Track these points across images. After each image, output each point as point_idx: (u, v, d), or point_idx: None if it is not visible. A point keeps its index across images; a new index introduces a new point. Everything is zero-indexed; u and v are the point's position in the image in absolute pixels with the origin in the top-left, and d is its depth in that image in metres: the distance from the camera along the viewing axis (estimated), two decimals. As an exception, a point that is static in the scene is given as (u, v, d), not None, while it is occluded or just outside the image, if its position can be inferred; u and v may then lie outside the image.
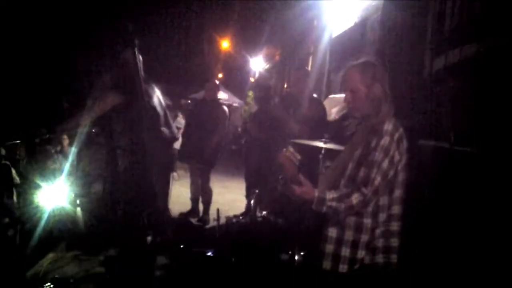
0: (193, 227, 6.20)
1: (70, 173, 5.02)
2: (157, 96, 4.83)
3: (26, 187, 4.72)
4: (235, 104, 18.14)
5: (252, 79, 24.08)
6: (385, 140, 2.47)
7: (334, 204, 2.44)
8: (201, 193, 7.24)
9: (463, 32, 5.10)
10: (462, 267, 3.65)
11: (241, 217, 5.77)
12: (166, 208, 6.81)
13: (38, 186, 4.88)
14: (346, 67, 2.73)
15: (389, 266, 2.58)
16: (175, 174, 10.55)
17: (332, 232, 2.59)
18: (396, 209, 2.58)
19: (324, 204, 2.44)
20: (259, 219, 5.11)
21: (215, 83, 7.37)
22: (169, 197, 6.79)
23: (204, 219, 6.97)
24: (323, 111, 5.78)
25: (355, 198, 2.43)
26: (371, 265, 2.53)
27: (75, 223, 4.99)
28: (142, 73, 4.59)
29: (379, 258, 2.54)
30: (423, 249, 3.98)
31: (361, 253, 2.51)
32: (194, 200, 7.30)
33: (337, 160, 2.78)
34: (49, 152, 5.28)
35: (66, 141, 5.50)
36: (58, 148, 5.46)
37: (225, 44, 30.06)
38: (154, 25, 21.13)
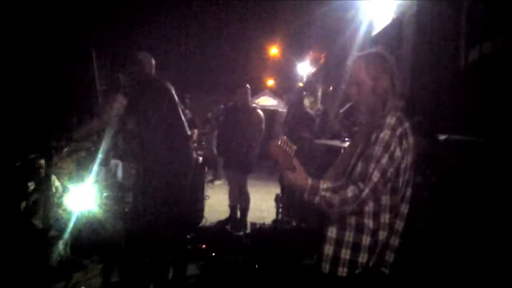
0: (228, 235, 6.18)
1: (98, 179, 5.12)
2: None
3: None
4: (281, 110, 18.07)
5: (300, 84, 23.98)
6: (385, 134, 2.31)
7: (328, 194, 2.27)
8: (239, 199, 7.23)
9: (496, 23, 4.89)
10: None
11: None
12: (201, 216, 6.85)
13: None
14: (351, 58, 2.59)
15: (394, 270, 2.43)
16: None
17: (332, 232, 2.43)
18: (402, 211, 2.44)
19: (318, 193, 2.28)
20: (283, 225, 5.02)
21: (246, 87, 7.33)
22: (204, 204, 6.83)
23: (241, 225, 6.95)
24: None
25: (351, 191, 2.26)
26: (374, 269, 2.38)
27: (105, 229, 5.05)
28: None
29: (383, 262, 2.40)
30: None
31: (363, 256, 2.35)
32: (233, 207, 7.30)
33: (340, 157, 2.65)
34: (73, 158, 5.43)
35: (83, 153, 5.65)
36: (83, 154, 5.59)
37: (273, 50, 30.02)
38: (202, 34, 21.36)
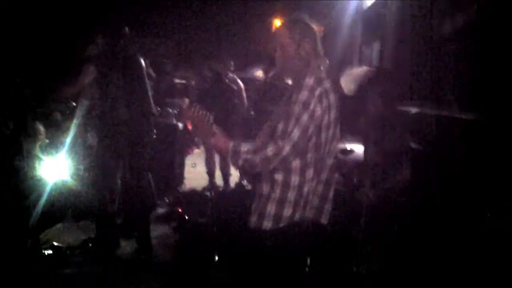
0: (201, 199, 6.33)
1: (72, 147, 5.20)
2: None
3: (28, 161, 4.88)
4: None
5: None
6: (303, 94, 2.40)
7: (249, 156, 2.40)
8: (220, 166, 7.35)
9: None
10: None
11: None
12: (180, 181, 7.02)
13: (39, 160, 5.09)
14: (275, 25, 2.67)
15: (319, 226, 2.58)
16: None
17: (260, 189, 2.53)
18: (328, 163, 2.56)
19: (240, 156, 2.41)
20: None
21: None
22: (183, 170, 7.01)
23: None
24: None
25: (270, 150, 2.37)
26: (298, 223, 2.49)
27: (78, 197, 5.19)
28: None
29: (307, 217, 2.52)
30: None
31: (287, 211, 2.47)
32: (211, 173, 7.44)
33: (268, 119, 2.70)
34: (44, 126, 5.46)
35: (58, 115, 5.69)
36: (56, 120, 5.65)
37: (277, 22, 29.78)
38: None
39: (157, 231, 5.30)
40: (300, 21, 2.60)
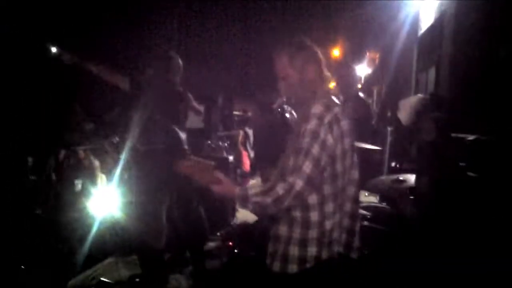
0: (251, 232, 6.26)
1: (120, 181, 5.27)
2: None
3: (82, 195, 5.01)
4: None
5: (359, 86, 23.72)
6: (311, 124, 2.23)
7: (259, 199, 2.22)
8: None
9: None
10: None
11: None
12: (232, 214, 6.99)
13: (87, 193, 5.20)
14: (273, 52, 2.47)
15: (348, 260, 2.42)
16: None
17: (279, 229, 2.38)
18: (350, 194, 2.41)
19: (249, 200, 2.24)
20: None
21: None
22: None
23: None
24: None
25: (281, 188, 2.19)
26: (327, 261, 2.33)
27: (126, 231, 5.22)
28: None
29: (334, 253, 2.37)
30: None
31: (311, 250, 2.30)
32: None
33: (281, 157, 2.52)
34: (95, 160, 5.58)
35: (108, 149, 5.80)
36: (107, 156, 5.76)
37: (335, 52, 29.78)
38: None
39: (209, 265, 5.24)
40: (300, 46, 2.44)
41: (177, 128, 4.59)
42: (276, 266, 2.37)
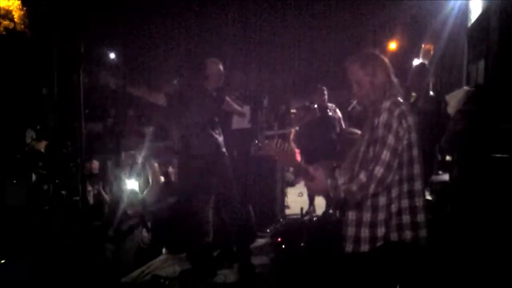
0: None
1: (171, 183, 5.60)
2: None
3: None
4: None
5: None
6: (383, 117, 2.56)
7: (346, 186, 2.56)
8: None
9: None
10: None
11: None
12: (280, 211, 7.19)
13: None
14: (346, 62, 2.82)
15: (417, 241, 2.62)
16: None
17: (352, 215, 2.68)
18: (413, 184, 2.63)
19: (340, 190, 2.58)
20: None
21: (322, 88, 7.66)
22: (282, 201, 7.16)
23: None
24: None
25: (364, 176, 2.52)
26: (397, 242, 2.59)
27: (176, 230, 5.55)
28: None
29: (406, 235, 2.59)
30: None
31: (380, 231, 2.58)
32: (311, 200, 7.59)
33: (353, 149, 2.86)
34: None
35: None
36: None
37: (392, 45, 29.30)
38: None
39: (256, 261, 5.45)
40: (371, 55, 2.78)
41: (214, 132, 4.86)
42: (349, 247, 2.68)
